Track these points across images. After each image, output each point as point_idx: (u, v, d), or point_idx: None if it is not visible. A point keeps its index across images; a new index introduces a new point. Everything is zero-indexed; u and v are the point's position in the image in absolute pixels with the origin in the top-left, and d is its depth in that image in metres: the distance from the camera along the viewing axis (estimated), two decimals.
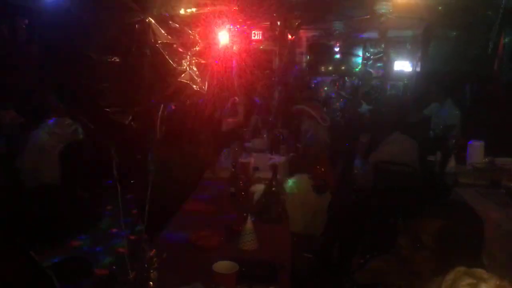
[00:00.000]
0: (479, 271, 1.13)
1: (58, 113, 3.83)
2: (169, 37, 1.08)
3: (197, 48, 1.14)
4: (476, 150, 3.71)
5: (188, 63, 1.13)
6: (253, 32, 9.85)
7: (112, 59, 1.05)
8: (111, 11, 1.05)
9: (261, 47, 9.97)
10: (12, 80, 5.48)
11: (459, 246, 1.29)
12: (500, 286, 1.07)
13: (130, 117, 1.12)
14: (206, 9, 1.16)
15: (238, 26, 8.87)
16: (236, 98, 5.88)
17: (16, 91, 5.11)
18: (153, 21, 1.04)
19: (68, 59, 1.10)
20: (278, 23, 6.22)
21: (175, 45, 1.09)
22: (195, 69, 1.14)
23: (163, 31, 1.06)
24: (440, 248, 1.30)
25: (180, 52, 1.11)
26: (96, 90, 1.07)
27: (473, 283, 1.08)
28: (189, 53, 1.13)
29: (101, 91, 1.07)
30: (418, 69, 8.09)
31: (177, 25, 1.08)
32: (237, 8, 1.22)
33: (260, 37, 9.83)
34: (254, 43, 9.99)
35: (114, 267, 1.49)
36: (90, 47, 1.04)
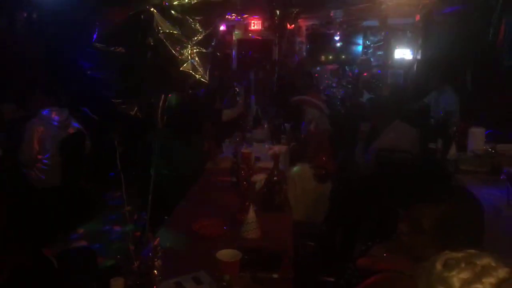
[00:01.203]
0: (484, 260, 0.98)
1: (47, 105, 3.81)
2: (172, 26, 1.08)
3: (199, 37, 1.14)
4: (477, 136, 3.71)
5: (189, 52, 1.13)
6: (252, 21, 9.79)
7: (117, 49, 1.05)
8: (114, 1, 1.05)
9: (260, 36, 9.92)
10: (12, 73, 5.47)
11: (460, 232, 1.30)
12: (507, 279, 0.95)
13: (136, 108, 1.12)
14: None
15: (237, 15, 8.82)
16: (237, 88, 5.87)
17: (16, 84, 5.10)
18: (155, 10, 1.04)
19: (72, 50, 1.10)
20: (277, 12, 6.17)
21: (176, 35, 1.09)
22: (196, 58, 1.14)
23: (165, 21, 1.06)
24: (440, 233, 1.31)
25: (182, 41, 1.11)
26: (101, 81, 1.07)
27: (475, 268, 0.97)
28: (190, 43, 1.13)
29: (106, 81, 1.07)
30: (419, 56, 8.05)
31: (178, 15, 1.08)
32: None
33: (260, 27, 9.77)
34: (252, 33, 9.96)
35: (119, 256, 1.51)
36: (94, 37, 1.04)
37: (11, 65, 5.57)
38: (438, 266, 0.98)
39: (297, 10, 6.34)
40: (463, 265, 0.96)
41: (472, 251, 1.00)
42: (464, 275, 0.94)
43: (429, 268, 1.00)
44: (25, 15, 6.02)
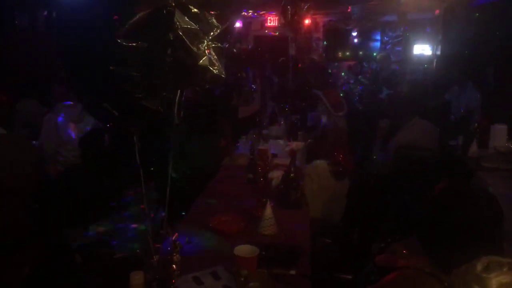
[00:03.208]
0: None
1: (64, 99, 3.93)
2: (190, 22, 1.08)
3: (215, 32, 1.14)
4: (499, 133, 3.62)
5: (206, 47, 1.13)
6: (268, 18, 9.76)
7: (139, 45, 1.06)
8: None
9: (277, 33, 9.88)
10: (34, 70, 5.59)
11: (477, 234, 1.26)
12: None
13: (158, 103, 1.13)
14: None
15: (253, 12, 8.80)
16: (253, 85, 5.87)
17: (37, 81, 5.20)
18: (175, 6, 1.05)
19: (95, 46, 1.11)
20: (289, 8, 6.14)
21: (194, 30, 1.10)
22: (213, 53, 1.15)
23: (184, 16, 1.07)
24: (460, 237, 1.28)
25: (199, 36, 1.11)
26: (124, 76, 1.08)
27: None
28: (207, 37, 1.13)
29: (128, 76, 1.08)
30: (438, 52, 7.90)
31: (196, 10, 1.09)
32: None
33: (276, 23, 9.73)
34: (269, 29, 9.92)
35: (138, 250, 1.53)
36: (118, 32, 1.04)
37: (34, 63, 5.70)
38: (479, 267, 0.96)
39: (308, 5, 6.29)
40: (505, 269, 0.93)
41: None
42: (504, 278, 0.91)
43: (468, 268, 0.97)
44: (46, 13, 6.15)
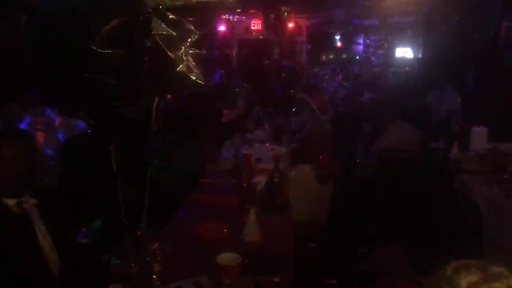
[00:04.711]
0: (497, 269, 0.95)
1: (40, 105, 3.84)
2: (167, 28, 1.07)
3: (193, 39, 1.13)
4: (479, 136, 3.69)
5: (184, 53, 1.12)
6: (252, 22, 9.78)
7: (116, 52, 1.04)
8: (112, 2, 1.04)
9: (261, 36, 9.90)
10: (12, 76, 5.47)
11: (457, 236, 1.27)
12: None
13: (135, 110, 1.11)
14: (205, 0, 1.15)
15: (236, 16, 8.82)
16: (237, 89, 5.85)
17: (17, 87, 5.09)
18: (152, 13, 1.03)
19: (71, 52, 1.09)
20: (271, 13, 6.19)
21: (171, 36, 1.08)
22: (191, 59, 1.13)
23: (161, 23, 1.05)
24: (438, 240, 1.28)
25: (176, 42, 1.10)
26: (100, 84, 1.06)
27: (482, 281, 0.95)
28: (184, 44, 1.12)
29: (105, 84, 1.06)
30: (420, 55, 8.02)
31: (174, 17, 1.07)
32: (234, 0, 1.20)
33: (260, 27, 9.76)
34: (254, 33, 9.94)
35: (117, 261, 1.49)
36: (93, 39, 1.02)
37: (13, 67, 5.58)
38: (449, 271, 0.97)
39: (288, 9, 6.35)
40: (473, 269, 0.95)
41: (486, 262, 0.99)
42: (473, 278, 0.93)
43: (440, 273, 0.98)
44: (25, 18, 6.03)
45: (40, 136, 3.84)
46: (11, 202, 1.79)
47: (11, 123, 4.39)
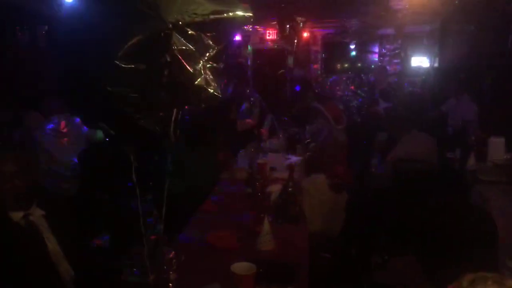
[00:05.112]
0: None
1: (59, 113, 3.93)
2: (187, 43, 1.11)
3: (211, 53, 1.16)
4: (496, 146, 3.64)
5: (202, 67, 1.15)
6: (267, 31, 9.86)
7: (138, 67, 1.08)
8: (133, 18, 1.08)
9: (276, 46, 9.96)
10: (33, 84, 5.61)
11: (471, 248, 1.27)
12: None
13: (154, 122, 1.15)
14: (223, 15, 1.18)
15: (251, 26, 8.88)
16: (252, 98, 5.89)
17: (38, 96, 5.21)
18: (173, 29, 1.07)
19: (94, 66, 1.13)
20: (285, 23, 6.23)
21: (190, 51, 1.12)
22: (209, 73, 1.17)
23: (181, 38, 1.09)
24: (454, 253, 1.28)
25: (195, 57, 1.13)
26: (122, 96, 1.10)
27: None
28: (203, 58, 1.16)
29: (127, 97, 1.10)
30: (436, 64, 7.96)
31: (193, 32, 1.11)
32: (252, 15, 1.23)
33: (275, 37, 9.82)
34: (269, 42, 10.01)
35: (135, 270, 1.52)
36: (114, 54, 1.06)
37: (33, 76, 5.73)
38: (464, 283, 0.96)
39: (303, 19, 6.38)
40: (489, 282, 0.94)
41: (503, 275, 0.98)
42: None
43: (455, 286, 0.98)
44: (46, 29, 6.20)
45: (62, 143, 3.92)
46: (16, 215, 1.80)
47: (30, 130, 4.50)
